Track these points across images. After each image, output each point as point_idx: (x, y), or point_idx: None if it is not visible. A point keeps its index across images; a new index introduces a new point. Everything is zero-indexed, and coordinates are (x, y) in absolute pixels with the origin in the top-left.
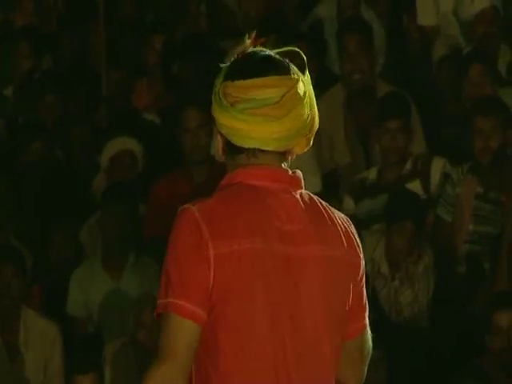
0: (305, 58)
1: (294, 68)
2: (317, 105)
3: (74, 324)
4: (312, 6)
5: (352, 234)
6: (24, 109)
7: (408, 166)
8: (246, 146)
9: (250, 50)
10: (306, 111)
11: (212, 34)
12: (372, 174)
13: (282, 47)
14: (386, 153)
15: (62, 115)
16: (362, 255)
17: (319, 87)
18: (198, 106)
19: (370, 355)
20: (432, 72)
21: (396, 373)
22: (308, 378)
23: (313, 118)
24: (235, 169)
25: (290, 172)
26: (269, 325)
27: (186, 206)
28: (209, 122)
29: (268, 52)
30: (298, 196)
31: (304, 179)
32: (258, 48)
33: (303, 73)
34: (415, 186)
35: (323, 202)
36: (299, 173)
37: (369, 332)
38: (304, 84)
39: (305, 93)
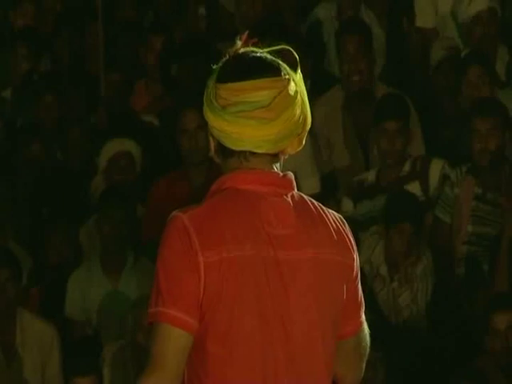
0: (296, 55)
1: (285, 68)
2: (316, 106)
3: (73, 326)
4: (311, 7)
5: (345, 233)
6: (22, 110)
7: (407, 167)
8: (238, 148)
9: (242, 50)
10: (298, 111)
11: (211, 35)
12: (371, 176)
13: (275, 45)
14: (384, 154)
15: (60, 117)
16: (355, 254)
17: (318, 89)
18: (196, 108)
19: (367, 352)
20: (430, 74)
21: (395, 374)
22: (299, 383)
23: (305, 118)
24: (227, 171)
25: (281, 174)
26: (259, 331)
27: (175, 213)
28: (207, 124)
29: (259, 53)
30: (290, 199)
31: (303, 181)
32: (250, 49)
33: (295, 70)
34: (414, 187)
35: (315, 202)
36: (290, 174)
37: (366, 329)
38: (295, 83)
39: (296, 92)
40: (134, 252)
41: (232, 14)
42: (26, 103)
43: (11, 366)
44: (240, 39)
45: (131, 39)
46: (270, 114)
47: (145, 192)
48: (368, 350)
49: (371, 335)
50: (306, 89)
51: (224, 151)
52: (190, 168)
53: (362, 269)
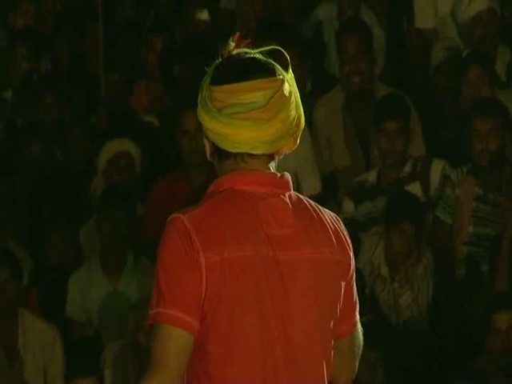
0: (287, 55)
1: (278, 68)
2: (316, 106)
3: (73, 327)
4: (311, 7)
5: (342, 232)
6: (22, 110)
7: (407, 168)
8: (234, 150)
9: (235, 52)
10: (293, 111)
11: (211, 35)
12: (371, 176)
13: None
14: (384, 154)
15: (60, 117)
16: (352, 253)
17: (318, 89)
18: (196, 109)
19: (360, 351)
20: (430, 74)
21: (395, 374)
22: (299, 383)
23: (299, 117)
24: (224, 173)
25: (279, 175)
26: (259, 331)
27: (175, 215)
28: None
29: (253, 54)
30: (287, 199)
31: (304, 181)
32: (243, 50)
33: (286, 70)
34: (415, 188)
35: (312, 202)
36: (287, 175)
37: (359, 328)
38: (289, 83)
39: (290, 92)
40: (134, 252)
41: (233, 13)
42: (26, 103)
43: (13, 367)
44: (232, 40)
45: (131, 39)
46: (266, 115)
47: (145, 192)
48: (361, 349)
49: (372, 335)
50: (307, 89)
51: (220, 153)
52: (190, 168)
53: (362, 269)
